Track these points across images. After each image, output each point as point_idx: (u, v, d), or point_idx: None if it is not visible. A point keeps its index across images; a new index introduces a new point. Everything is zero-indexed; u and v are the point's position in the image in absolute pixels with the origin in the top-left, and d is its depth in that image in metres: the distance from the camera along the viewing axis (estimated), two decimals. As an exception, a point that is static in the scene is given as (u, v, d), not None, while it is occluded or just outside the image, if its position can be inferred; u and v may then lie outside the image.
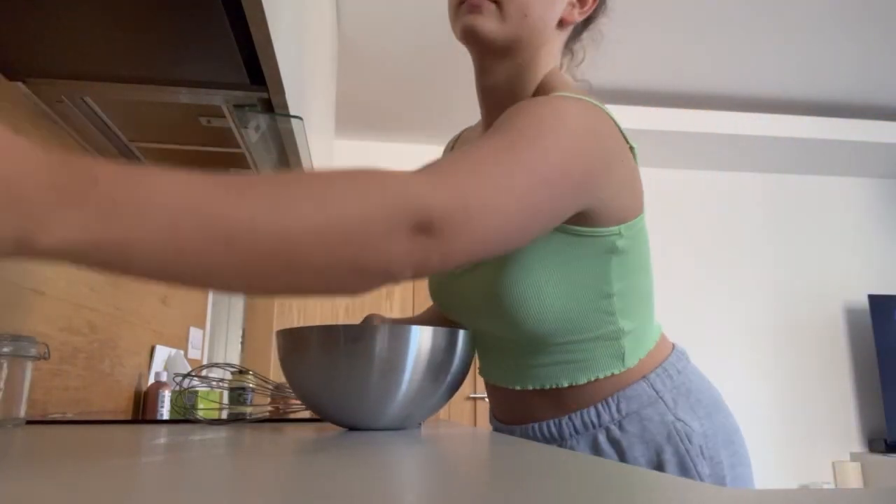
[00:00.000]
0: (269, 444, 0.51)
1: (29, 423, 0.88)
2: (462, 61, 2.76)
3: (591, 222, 0.66)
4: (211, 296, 2.63)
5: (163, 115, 1.16)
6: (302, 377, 0.68)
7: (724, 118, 3.31)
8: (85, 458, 0.40)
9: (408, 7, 2.50)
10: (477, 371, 0.87)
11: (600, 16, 0.82)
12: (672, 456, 0.69)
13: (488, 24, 0.70)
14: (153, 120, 1.20)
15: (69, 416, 1.14)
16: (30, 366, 0.85)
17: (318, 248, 0.40)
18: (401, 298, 3.31)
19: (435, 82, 3.05)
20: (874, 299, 3.42)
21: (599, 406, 0.73)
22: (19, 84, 1.03)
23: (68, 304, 1.30)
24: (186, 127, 1.21)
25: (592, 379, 0.72)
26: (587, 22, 0.81)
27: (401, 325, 0.66)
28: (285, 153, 1.30)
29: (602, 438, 0.72)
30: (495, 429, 0.86)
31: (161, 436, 0.63)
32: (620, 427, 0.72)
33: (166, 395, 1.59)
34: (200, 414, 1.11)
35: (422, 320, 0.98)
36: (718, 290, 3.61)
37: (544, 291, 0.68)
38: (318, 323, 2.83)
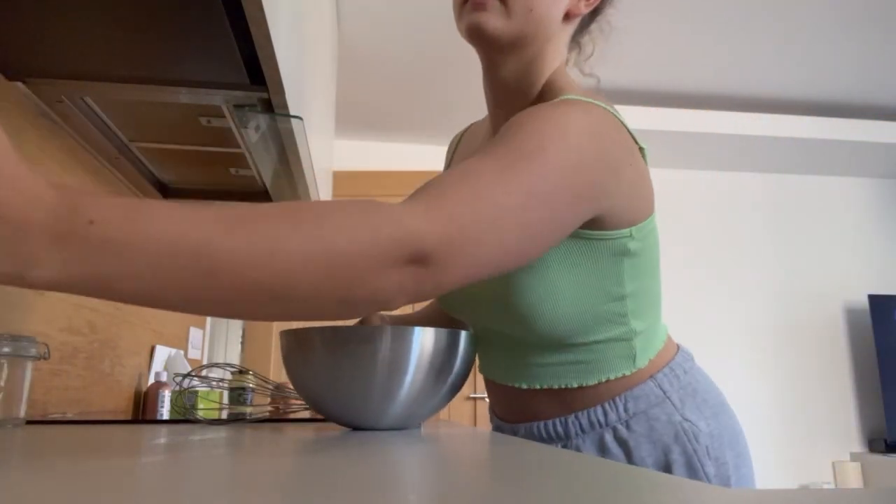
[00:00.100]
0: (270, 444, 0.51)
1: (29, 423, 0.88)
2: (462, 62, 2.77)
3: (602, 226, 0.66)
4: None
5: (163, 115, 1.16)
6: (306, 378, 0.68)
7: (724, 118, 3.31)
8: (85, 458, 0.40)
9: (408, 7, 2.50)
10: (477, 370, 0.87)
11: (607, 7, 0.80)
12: (680, 456, 0.69)
13: (493, 21, 0.69)
14: (153, 120, 1.20)
15: (69, 416, 1.13)
16: (30, 366, 0.85)
17: (304, 282, 0.41)
18: (401, 298, 3.30)
19: (435, 82, 3.04)
20: (874, 299, 3.42)
21: (606, 405, 0.72)
22: (19, 84, 1.03)
23: (68, 304, 1.30)
24: (186, 127, 1.20)
25: (603, 380, 0.72)
26: (594, 14, 0.79)
27: (404, 327, 0.66)
28: (285, 153, 1.29)
29: (609, 438, 0.72)
30: (496, 426, 0.86)
31: (161, 436, 0.63)
32: (627, 427, 0.71)
33: (166, 395, 1.59)
34: (200, 414, 1.11)
35: (422, 317, 0.98)
36: (718, 290, 3.61)
37: (558, 295, 0.67)
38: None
